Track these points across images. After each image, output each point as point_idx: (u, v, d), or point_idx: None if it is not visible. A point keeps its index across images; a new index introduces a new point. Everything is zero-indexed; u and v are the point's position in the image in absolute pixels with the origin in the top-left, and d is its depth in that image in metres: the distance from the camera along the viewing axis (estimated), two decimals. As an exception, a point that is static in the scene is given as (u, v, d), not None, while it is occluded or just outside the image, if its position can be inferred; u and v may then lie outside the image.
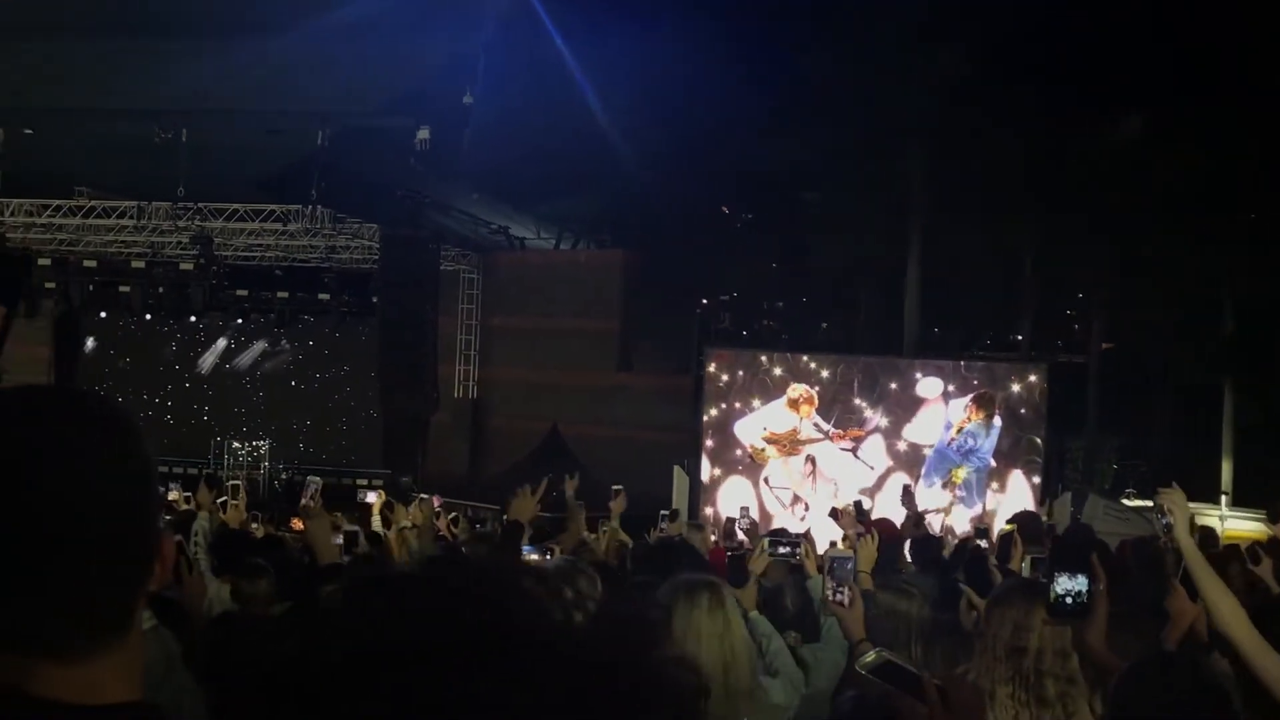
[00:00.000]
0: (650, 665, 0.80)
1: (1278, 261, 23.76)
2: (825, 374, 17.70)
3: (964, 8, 22.84)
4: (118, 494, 1.26)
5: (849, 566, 4.09)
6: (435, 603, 0.79)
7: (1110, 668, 3.05)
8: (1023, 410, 17.51)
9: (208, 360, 30.53)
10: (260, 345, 30.31)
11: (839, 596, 3.98)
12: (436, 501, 10.99)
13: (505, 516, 5.85)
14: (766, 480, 17.60)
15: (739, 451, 17.65)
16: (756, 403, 17.65)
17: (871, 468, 17.56)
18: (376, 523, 9.61)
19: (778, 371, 17.74)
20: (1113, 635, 3.25)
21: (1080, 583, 3.08)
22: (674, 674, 0.80)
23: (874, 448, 17.64)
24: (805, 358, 18.25)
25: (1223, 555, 7.07)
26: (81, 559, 1.23)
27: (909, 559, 8.08)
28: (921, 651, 4.61)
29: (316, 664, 0.77)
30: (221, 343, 30.44)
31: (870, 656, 2.63)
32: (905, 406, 17.68)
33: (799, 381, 17.65)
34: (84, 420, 1.29)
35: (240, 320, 29.23)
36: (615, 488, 8.97)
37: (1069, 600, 3.06)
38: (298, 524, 9.43)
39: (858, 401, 17.62)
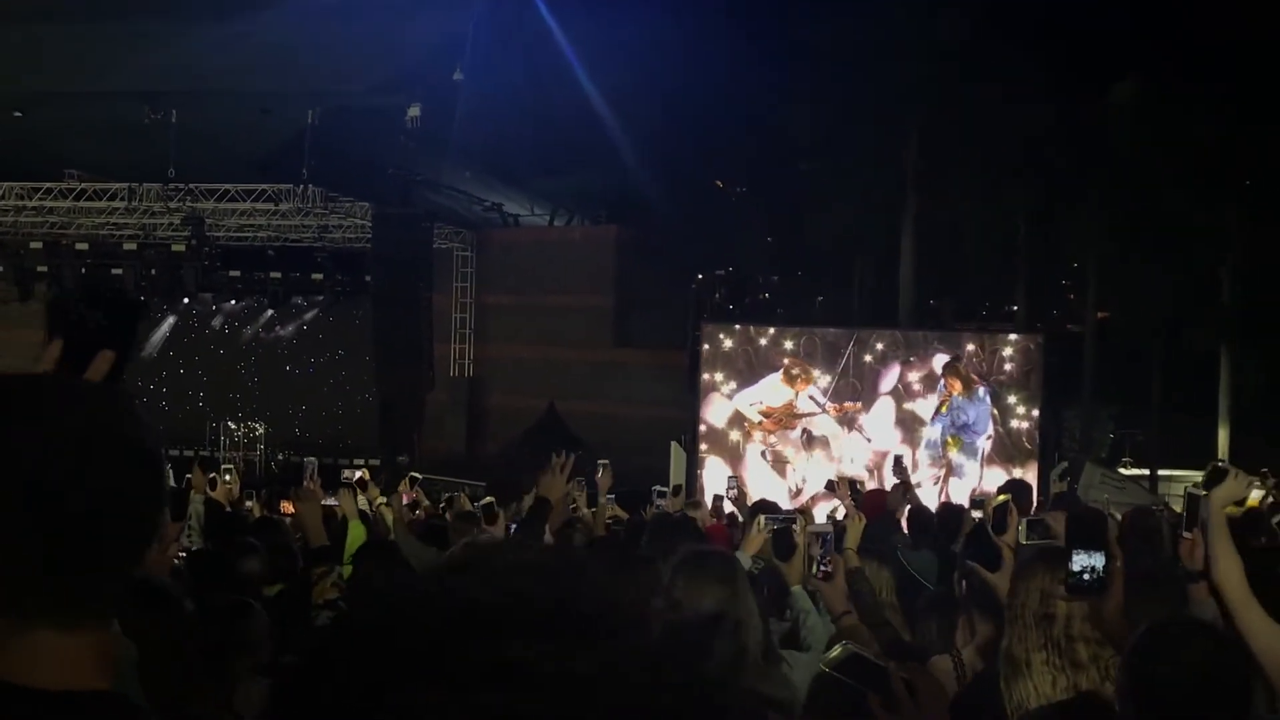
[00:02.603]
0: (729, 681, 0.80)
1: (1276, 225, 23.72)
2: (789, 345, 17.56)
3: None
4: (128, 475, 1.31)
5: (828, 540, 4.26)
6: (512, 584, 0.78)
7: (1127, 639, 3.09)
8: (1012, 378, 17.41)
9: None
10: (255, 326, 30.25)
11: (819, 570, 4.17)
12: (405, 498, 11.10)
13: (535, 493, 5.84)
14: (764, 454, 17.55)
15: (703, 428, 17.56)
16: (719, 377, 17.55)
17: (869, 440, 17.52)
18: (363, 501, 9.59)
19: (729, 344, 17.63)
20: (1131, 604, 3.29)
21: (1097, 559, 3.18)
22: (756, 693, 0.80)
23: (877, 421, 17.55)
24: (765, 329, 18.08)
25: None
26: (94, 533, 1.28)
27: (905, 532, 8.06)
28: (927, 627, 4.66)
29: (379, 654, 0.76)
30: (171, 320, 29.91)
31: (836, 651, 2.61)
32: (905, 381, 17.56)
33: (762, 352, 17.50)
34: (100, 408, 1.34)
35: (234, 301, 29.15)
36: (601, 462, 9.01)
37: (1086, 576, 3.18)
38: (288, 507, 9.42)
39: (818, 373, 17.47)
